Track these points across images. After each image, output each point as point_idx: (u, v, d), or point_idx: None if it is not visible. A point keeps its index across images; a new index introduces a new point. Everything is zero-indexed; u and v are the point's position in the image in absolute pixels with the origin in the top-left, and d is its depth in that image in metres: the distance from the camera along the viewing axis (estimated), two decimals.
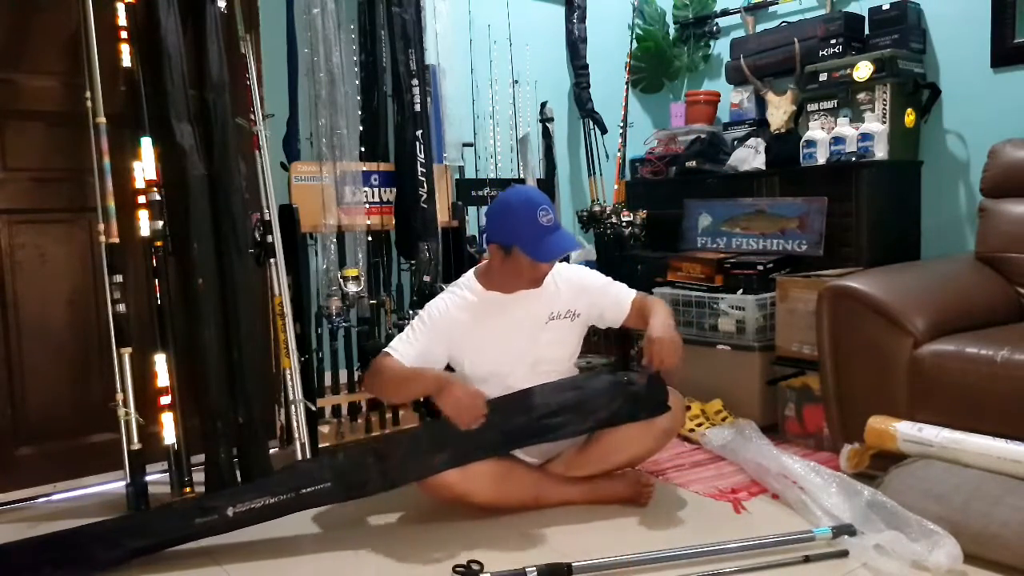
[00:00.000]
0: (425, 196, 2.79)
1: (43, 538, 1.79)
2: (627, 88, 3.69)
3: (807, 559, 1.69)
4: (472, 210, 3.11)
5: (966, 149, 2.84)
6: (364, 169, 2.75)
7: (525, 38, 3.33)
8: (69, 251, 2.29)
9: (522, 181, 3.21)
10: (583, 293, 2.14)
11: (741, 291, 2.76)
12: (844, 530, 1.74)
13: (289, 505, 1.86)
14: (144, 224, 2.18)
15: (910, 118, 2.83)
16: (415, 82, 2.81)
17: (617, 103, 3.64)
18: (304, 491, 1.85)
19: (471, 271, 2.14)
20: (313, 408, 2.50)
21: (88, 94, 2.14)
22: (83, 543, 1.76)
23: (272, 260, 2.42)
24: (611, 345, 3.20)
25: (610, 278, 2.23)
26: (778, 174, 2.98)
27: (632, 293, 2.19)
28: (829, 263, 2.70)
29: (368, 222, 2.76)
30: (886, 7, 2.89)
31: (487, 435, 1.92)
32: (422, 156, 2.79)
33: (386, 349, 2.00)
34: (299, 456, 2.31)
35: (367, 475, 1.90)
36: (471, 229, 3.06)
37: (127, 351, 2.13)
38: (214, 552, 1.84)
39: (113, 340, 2.13)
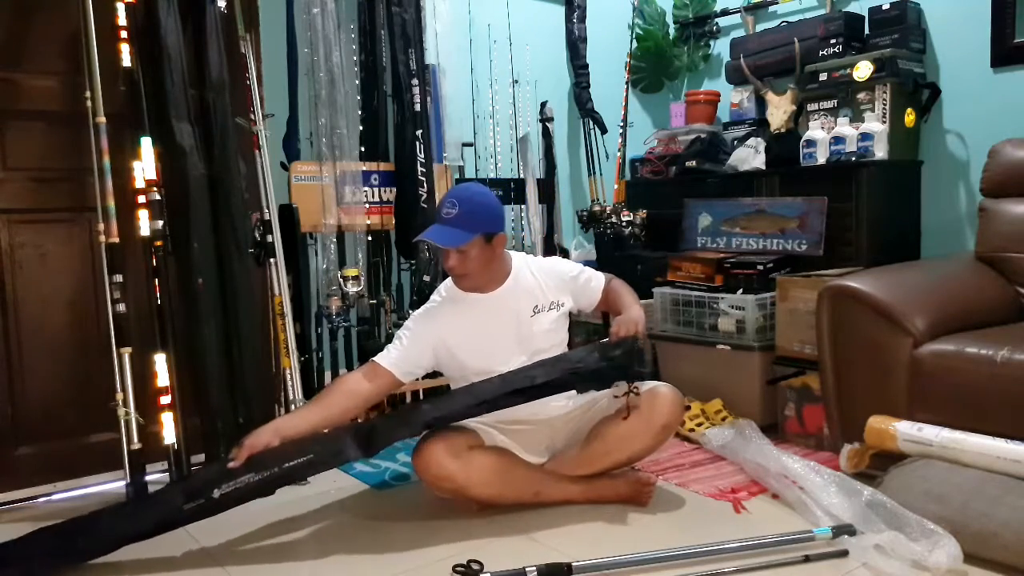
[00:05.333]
0: (425, 196, 2.79)
1: (33, 534, 1.79)
2: (627, 88, 3.68)
3: (807, 559, 1.69)
4: None
5: (966, 149, 2.84)
6: (364, 169, 2.76)
7: (525, 38, 3.33)
8: (69, 251, 2.29)
9: (522, 181, 3.21)
10: (561, 282, 2.17)
11: (741, 291, 2.75)
12: (844, 530, 1.74)
13: (274, 480, 1.83)
14: (144, 224, 2.18)
15: (910, 118, 2.83)
16: (415, 82, 2.81)
17: (617, 103, 3.64)
18: (288, 464, 1.83)
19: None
20: None
21: (88, 94, 2.13)
22: (72, 536, 1.78)
23: (272, 260, 2.43)
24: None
25: (581, 265, 2.26)
26: (778, 174, 2.98)
27: (603, 278, 2.23)
28: (829, 263, 2.69)
29: (368, 222, 2.76)
30: (886, 7, 2.89)
31: (461, 400, 1.96)
32: (422, 156, 2.80)
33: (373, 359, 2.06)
34: None
35: (345, 442, 1.88)
36: None
37: (127, 351, 2.13)
38: (214, 552, 1.84)
39: (113, 340, 2.12)
